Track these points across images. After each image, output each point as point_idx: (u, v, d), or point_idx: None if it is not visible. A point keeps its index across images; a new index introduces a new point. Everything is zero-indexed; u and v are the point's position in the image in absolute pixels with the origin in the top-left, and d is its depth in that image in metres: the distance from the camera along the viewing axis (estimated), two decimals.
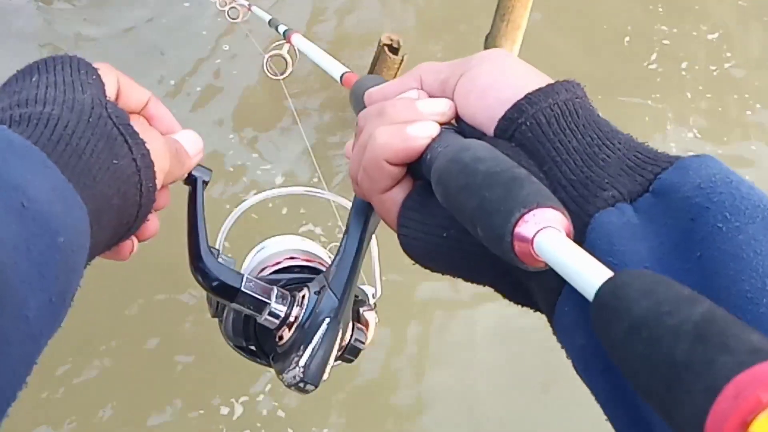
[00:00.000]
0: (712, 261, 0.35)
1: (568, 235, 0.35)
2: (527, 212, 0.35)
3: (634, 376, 0.26)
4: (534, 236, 0.35)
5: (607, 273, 0.30)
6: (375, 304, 0.60)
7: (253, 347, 0.59)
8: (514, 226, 0.35)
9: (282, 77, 1.11)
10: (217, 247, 0.64)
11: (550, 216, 0.35)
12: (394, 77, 2.60)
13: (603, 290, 0.29)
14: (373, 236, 0.60)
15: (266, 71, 1.13)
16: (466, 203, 0.39)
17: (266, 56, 1.16)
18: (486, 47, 2.69)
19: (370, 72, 2.50)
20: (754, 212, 0.36)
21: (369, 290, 0.62)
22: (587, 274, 0.31)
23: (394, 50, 2.56)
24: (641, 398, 0.26)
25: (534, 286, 0.42)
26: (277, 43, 1.17)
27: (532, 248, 0.35)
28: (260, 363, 0.59)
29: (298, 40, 1.11)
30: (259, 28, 2.00)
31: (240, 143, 2.52)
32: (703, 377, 0.22)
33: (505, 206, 0.36)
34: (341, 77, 0.79)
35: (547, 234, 0.34)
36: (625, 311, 0.27)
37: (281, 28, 1.32)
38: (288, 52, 1.15)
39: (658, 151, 0.43)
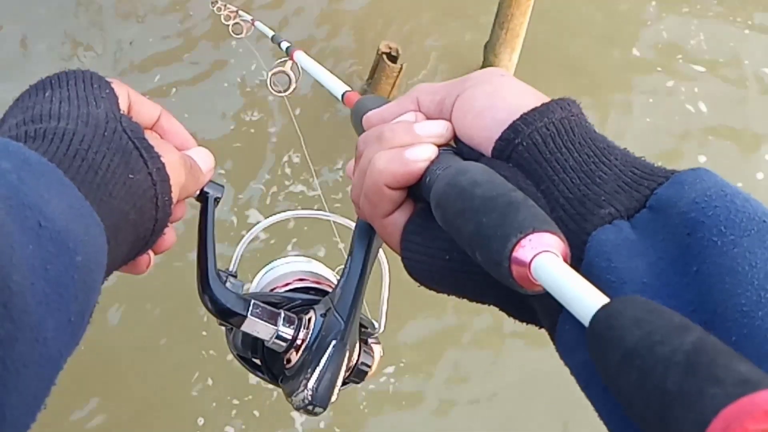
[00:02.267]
0: (709, 275, 0.36)
1: (565, 259, 0.36)
2: (523, 237, 0.35)
3: (628, 405, 0.27)
4: (531, 261, 0.35)
5: (601, 299, 0.30)
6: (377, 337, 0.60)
7: (257, 361, 0.59)
8: (511, 252, 0.35)
9: (286, 94, 1.12)
10: (231, 270, 0.64)
11: (546, 240, 0.35)
12: (393, 85, 2.61)
13: (597, 318, 0.29)
14: (387, 273, 0.60)
15: (270, 88, 1.13)
16: (463, 228, 0.39)
17: (269, 73, 1.17)
18: (485, 55, 2.69)
19: (369, 80, 2.50)
20: (748, 225, 0.36)
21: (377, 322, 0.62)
22: (582, 300, 0.31)
23: (393, 58, 2.56)
24: (636, 425, 0.27)
25: (536, 305, 0.43)
26: (280, 60, 1.18)
27: (530, 273, 0.35)
28: (262, 377, 0.59)
29: (300, 57, 1.12)
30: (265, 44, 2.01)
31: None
32: (693, 409, 0.23)
33: (501, 231, 0.36)
34: (342, 96, 0.79)
35: (543, 258, 0.35)
36: (618, 341, 0.27)
37: (284, 45, 1.33)
38: (291, 68, 1.16)
39: (655, 165, 0.44)
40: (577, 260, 0.41)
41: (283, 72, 1.16)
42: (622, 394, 0.27)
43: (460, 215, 0.40)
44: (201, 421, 2.01)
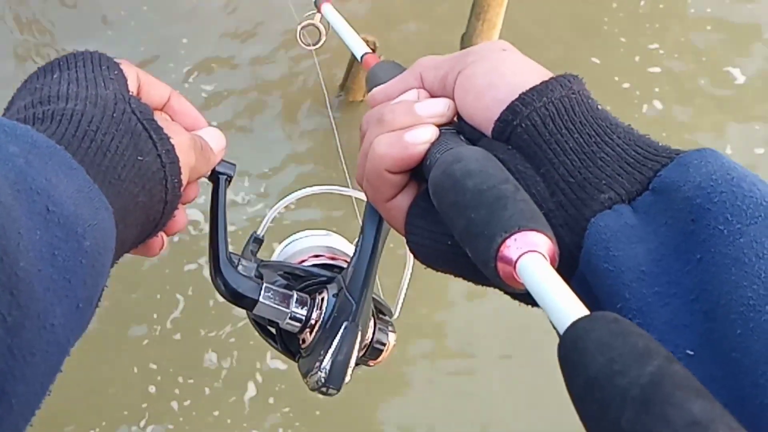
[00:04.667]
0: (713, 264, 0.35)
1: (552, 257, 0.35)
2: (508, 237, 0.35)
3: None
4: (516, 261, 0.34)
5: (574, 314, 0.30)
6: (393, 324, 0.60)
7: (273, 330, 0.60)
8: (497, 251, 0.35)
9: (315, 47, 1.10)
10: (259, 235, 0.64)
11: (532, 240, 0.35)
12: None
13: (565, 338, 0.29)
14: (410, 258, 0.60)
15: (299, 41, 1.11)
16: (455, 222, 0.39)
17: (299, 27, 1.15)
18: (462, 47, 2.60)
19: (345, 77, 2.45)
20: (755, 211, 0.35)
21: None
22: (558, 311, 0.30)
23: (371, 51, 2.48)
24: None
25: None
26: (309, 13, 1.16)
27: (515, 273, 0.34)
28: (276, 348, 0.60)
29: (327, 10, 1.09)
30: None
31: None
32: None
33: (488, 230, 0.36)
34: (362, 57, 0.78)
35: (527, 260, 0.34)
36: (582, 367, 0.27)
37: None
38: (320, 21, 1.14)
39: (659, 143, 0.42)
40: (577, 247, 0.40)
41: (313, 25, 1.14)
42: (585, 422, 0.27)
43: (452, 207, 0.39)
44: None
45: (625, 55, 2.98)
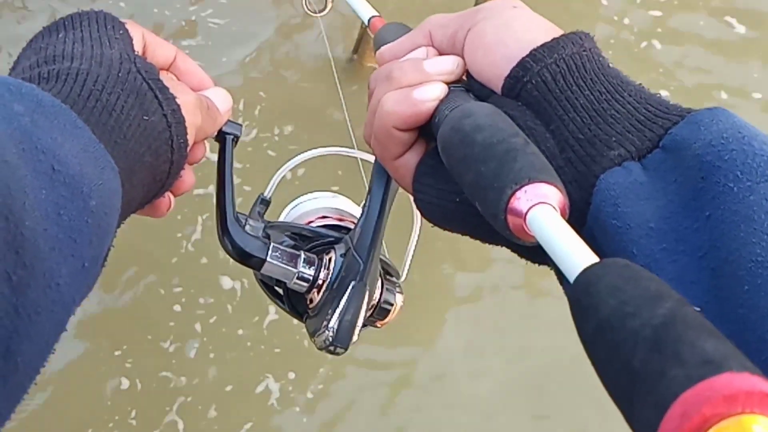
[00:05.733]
0: (722, 222, 0.35)
1: (562, 209, 0.35)
2: (519, 189, 0.34)
3: (601, 377, 0.26)
4: (527, 212, 0.34)
5: (586, 260, 0.30)
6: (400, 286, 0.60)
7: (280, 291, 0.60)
8: (507, 203, 0.35)
9: (321, 14, 1.09)
10: (266, 196, 0.64)
11: (543, 191, 0.34)
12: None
13: (577, 283, 0.29)
14: (418, 220, 0.60)
15: (305, 8, 1.11)
16: (465, 176, 0.39)
17: None
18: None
19: (355, 51, 2.42)
20: (766, 170, 0.35)
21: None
22: (569, 259, 0.30)
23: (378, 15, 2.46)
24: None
25: None
26: None
27: (525, 224, 0.34)
28: (283, 308, 0.60)
29: None
30: None
31: None
32: (654, 391, 0.22)
33: (498, 182, 0.35)
34: (369, 21, 0.77)
35: (538, 211, 0.34)
36: (593, 310, 0.27)
37: None
38: None
39: (670, 102, 0.42)
40: (586, 204, 0.40)
41: None
42: (596, 366, 0.27)
43: (462, 162, 0.39)
44: None
45: None
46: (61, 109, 0.41)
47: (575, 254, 0.30)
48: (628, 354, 0.24)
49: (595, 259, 0.30)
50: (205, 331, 1.88)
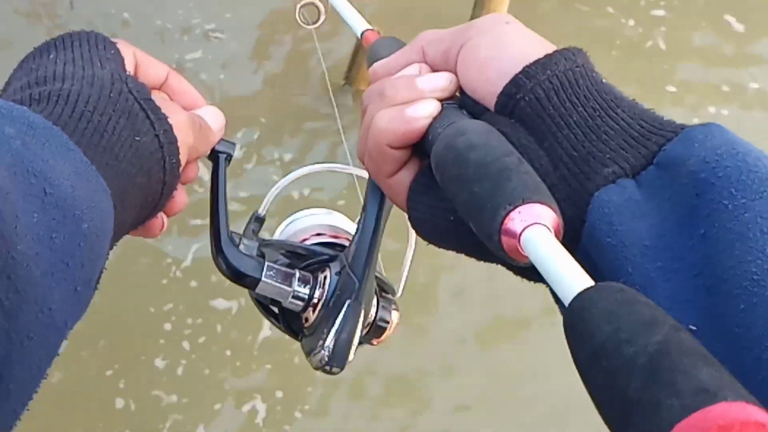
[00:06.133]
0: (717, 240, 0.34)
1: (556, 229, 0.35)
2: (513, 209, 0.34)
3: (597, 405, 0.26)
4: (521, 233, 0.34)
5: (580, 284, 0.29)
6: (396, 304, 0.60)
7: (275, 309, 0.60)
8: (501, 224, 0.34)
9: (314, 26, 1.09)
10: (260, 214, 0.64)
11: (537, 212, 0.34)
12: None
13: (572, 307, 0.29)
14: (413, 237, 0.59)
15: (298, 20, 1.11)
16: (458, 195, 0.39)
17: (298, 5, 1.14)
18: None
19: (350, 67, 2.43)
20: (761, 186, 0.35)
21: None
22: (563, 282, 0.30)
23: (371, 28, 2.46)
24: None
25: None
26: None
27: (520, 246, 0.34)
28: (278, 326, 0.60)
29: None
30: None
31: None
32: (650, 421, 0.22)
33: (492, 203, 0.35)
34: (362, 34, 0.77)
35: (532, 232, 0.34)
36: (588, 336, 0.26)
37: None
38: None
39: (664, 118, 0.41)
40: (580, 221, 0.40)
41: (312, 3, 1.13)
42: (591, 393, 0.26)
43: (455, 181, 0.39)
44: None
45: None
46: (53, 131, 0.41)
47: (569, 277, 0.30)
48: (623, 382, 0.24)
49: (590, 282, 0.30)
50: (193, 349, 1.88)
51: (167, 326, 1.93)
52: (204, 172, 0.59)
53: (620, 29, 2.79)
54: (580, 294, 0.29)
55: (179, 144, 0.49)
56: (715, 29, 2.81)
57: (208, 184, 0.58)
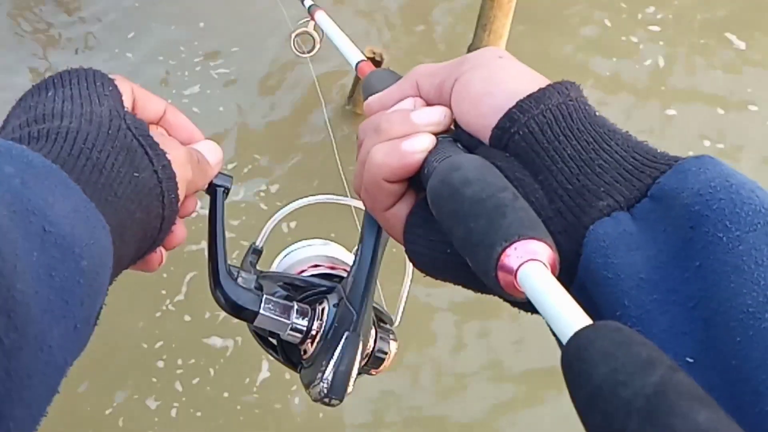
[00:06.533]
0: (713, 272, 0.35)
1: (552, 265, 0.35)
2: (509, 246, 0.34)
3: None
4: (517, 270, 0.34)
5: (577, 323, 0.30)
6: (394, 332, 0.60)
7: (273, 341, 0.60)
8: (497, 261, 0.35)
9: (309, 55, 1.10)
10: (258, 245, 0.65)
11: (533, 248, 0.34)
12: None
13: (569, 347, 0.29)
14: (410, 267, 0.60)
15: (294, 49, 1.12)
16: (454, 231, 0.39)
17: (293, 34, 1.15)
18: None
19: (352, 90, 2.44)
20: (754, 218, 0.35)
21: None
22: (560, 320, 0.30)
23: (377, 63, 2.48)
24: None
25: None
26: (302, 20, 1.16)
27: (516, 282, 0.34)
28: (277, 359, 0.60)
29: (321, 17, 1.10)
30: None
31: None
32: None
33: (488, 239, 0.35)
34: (356, 65, 0.78)
35: (529, 269, 0.34)
36: (586, 377, 0.26)
37: (307, 2, 1.31)
38: (314, 28, 1.14)
39: (657, 150, 0.42)
40: (576, 255, 0.40)
41: (307, 32, 1.14)
42: None
43: (451, 217, 0.39)
44: None
45: None
46: (52, 170, 0.41)
47: (566, 315, 0.30)
48: (620, 425, 0.24)
49: (587, 320, 0.30)
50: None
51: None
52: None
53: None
54: (577, 333, 0.29)
55: (178, 179, 0.49)
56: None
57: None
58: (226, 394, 1.89)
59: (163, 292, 2.07)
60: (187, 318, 2.03)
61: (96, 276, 0.41)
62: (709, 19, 3.04)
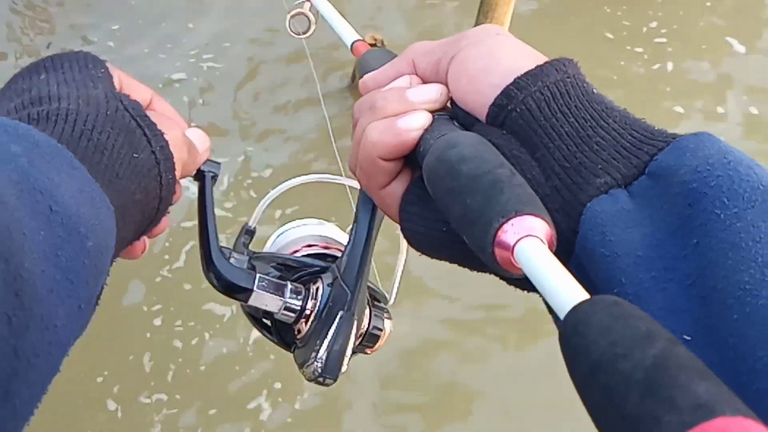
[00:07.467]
0: (710, 249, 0.34)
1: (549, 241, 0.34)
2: (505, 222, 0.34)
3: (595, 420, 0.26)
4: (514, 246, 0.34)
5: (575, 297, 0.29)
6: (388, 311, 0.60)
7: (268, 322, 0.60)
8: (494, 237, 0.34)
9: (305, 36, 1.09)
10: (250, 226, 0.64)
11: (529, 224, 0.34)
12: None
13: (566, 322, 0.28)
14: (404, 245, 0.59)
15: (289, 30, 1.11)
16: (450, 208, 0.38)
17: (288, 15, 1.14)
18: None
19: (353, 78, 2.43)
20: (752, 195, 0.34)
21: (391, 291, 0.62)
22: (558, 295, 0.30)
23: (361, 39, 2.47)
24: None
25: None
26: (298, 1, 1.15)
27: (513, 258, 0.34)
28: (271, 339, 0.59)
29: None
30: None
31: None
32: None
33: (485, 215, 0.35)
34: (352, 45, 0.77)
35: (526, 244, 0.33)
36: (584, 352, 0.26)
37: None
38: (310, 9, 1.13)
39: (655, 127, 0.41)
40: (573, 232, 0.40)
41: (302, 13, 1.13)
42: (589, 408, 0.26)
43: (448, 194, 0.39)
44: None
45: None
46: (58, 150, 0.41)
47: (564, 290, 0.30)
48: (621, 398, 0.24)
49: (584, 295, 0.29)
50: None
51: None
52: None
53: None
54: (574, 308, 0.28)
55: (174, 159, 0.49)
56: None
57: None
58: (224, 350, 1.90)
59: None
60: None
61: (100, 256, 0.41)
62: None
